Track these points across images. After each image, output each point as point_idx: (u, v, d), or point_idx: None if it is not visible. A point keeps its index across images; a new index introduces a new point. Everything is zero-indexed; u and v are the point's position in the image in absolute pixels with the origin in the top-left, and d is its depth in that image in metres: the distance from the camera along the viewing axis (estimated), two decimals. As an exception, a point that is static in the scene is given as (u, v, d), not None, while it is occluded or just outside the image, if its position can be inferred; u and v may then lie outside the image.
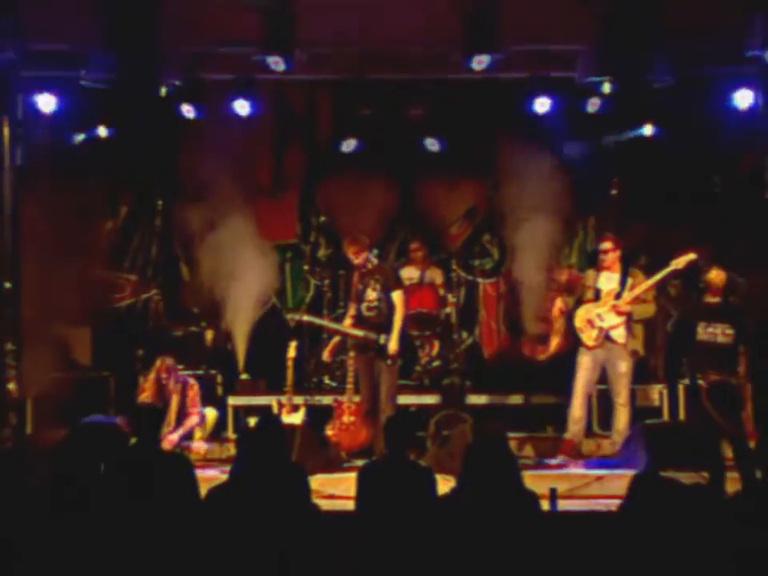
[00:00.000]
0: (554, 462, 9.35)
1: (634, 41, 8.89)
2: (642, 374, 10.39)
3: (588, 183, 11.08)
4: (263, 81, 9.89)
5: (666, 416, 10.27)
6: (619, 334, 9.24)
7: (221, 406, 10.41)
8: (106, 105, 9.73)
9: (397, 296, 9.27)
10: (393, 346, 9.19)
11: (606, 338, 9.24)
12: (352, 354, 9.56)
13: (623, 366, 9.24)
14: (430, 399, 10.30)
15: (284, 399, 9.55)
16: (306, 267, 11.87)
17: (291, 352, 9.63)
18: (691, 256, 9.03)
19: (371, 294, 9.33)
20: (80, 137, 10.31)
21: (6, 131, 9.35)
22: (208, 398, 10.14)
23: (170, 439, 9.42)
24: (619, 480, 7.72)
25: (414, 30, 9.27)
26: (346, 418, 9.51)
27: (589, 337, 9.27)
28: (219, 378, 10.95)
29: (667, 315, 10.53)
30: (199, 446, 9.69)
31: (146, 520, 5.51)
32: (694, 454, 8.28)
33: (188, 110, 10.03)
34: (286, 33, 9.15)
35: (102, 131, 10.21)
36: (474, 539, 5.27)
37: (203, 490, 5.91)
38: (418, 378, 10.85)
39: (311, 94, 11.64)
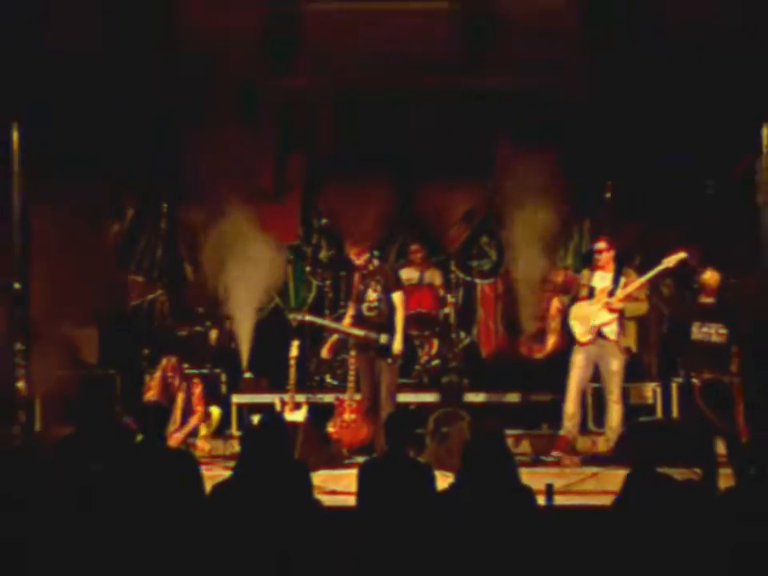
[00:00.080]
0: (549, 458, 9.34)
1: (628, 47, 8.93)
2: (635, 372, 10.38)
3: (582, 187, 11.08)
4: (266, 86, 9.90)
5: (659, 413, 10.27)
6: (611, 331, 9.25)
7: (225, 404, 10.40)
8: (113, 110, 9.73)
9: (397, 297, 9.28)
10: (397, 346, 9.20)
11: (598, 334, 9.26)
12: (353, 353, 9.57)
13: (615, 364, 9.25)
14: (429, 397, 10.30)
15: (287, 397, 9.55)
16: (308, 268, 11.88)
17: (294, 351, 9.63)
18: (681, 255, 9.05)
19: (372, 295, 9.34)
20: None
21: (16, 135, 9.36)
22: (212, 396, 10.14)
23: (177, 437, 9.44)
24: (614, 476, 7.72)
25: (413, 38, 9.28)
26: (347, 416, 9.51)
27: (582, 333, 9.29)
28: (223, 377, 10.94)
29: (660, 314, 10.55)
30: (204, 443, 9.69)
31: (152, 515, 5.52)
32: (686, 450, 8.29)
33: (192, 116, 10.03)
34: (289, 40, 9.17)
35: (112, 134, 10.21)
36: (472, 534, 5.28)
37: (208, 486, 5.91)
38: (418, 377, 10.85)
39: (313, 100, 11.63)
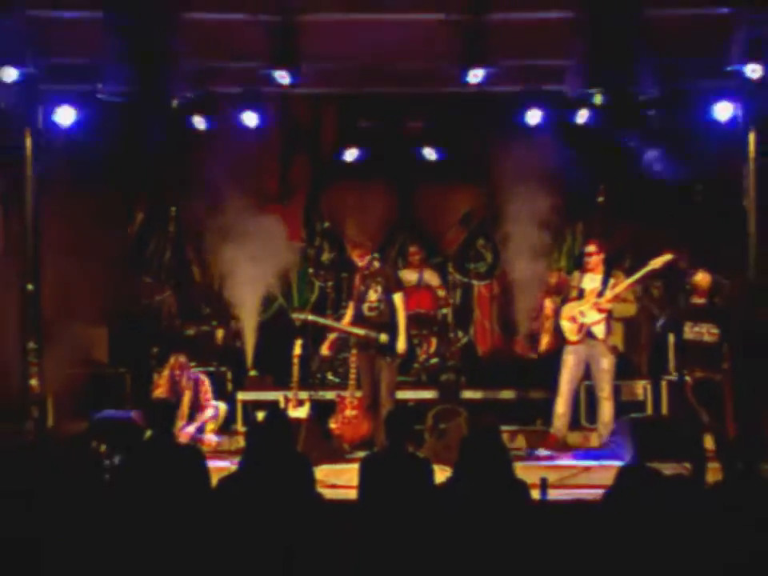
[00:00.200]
0: (544, 453, 9.35)
1: (621, 55, 8.91)
2: (626, 370, 10.41)
3: (576, 191, 11.09)
4: (270, 94, 9.89)
5: (649, 410, 10.28)
6: (600, 330, 9.28)
7: (230, 401, 10.41)
8: (122, 117, 9.72)
9: (398, 298, 9.30)
10: (401, 345, 9.22)
11: (587, 334, 9.28)
12: (354, 351, 9.57)
13: (605, 363, 9.28)
14: (428, 394, 10.30)
15: (290, 394, 9.56)
16: (310, 270, 11.88)
17: (297, 350, 9.64)
18: (668, 257, 9.09)
19: (373, 295, 9.34)
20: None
21: (29, 142, 9.37)
22: (218, 394, 10.15)
23: (186, 432, 9.47)
24: (606, 471, 7.74)
25: (412, 46, 9.28)
26: (348, 412, 9.51)
27: (572, 332, 9.32)
28: (229, 375, 10.94)
29: (650, 315, 10.56)
30: (211, 438, 9.70)
31: (161, 507, 5.52)
32: (676, 446, 8.31)
33: (199, 122, 10.02)
34: (292, 48, 9.16)
35: (124, 140, 10.21)
36: (469, 526, 5.28)
37: (214, 480, 5.92)
38: (417, 375, 10.86)
39: (315, 107, 11.64)
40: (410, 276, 11.12)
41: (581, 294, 9.37)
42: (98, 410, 9.26)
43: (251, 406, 10.48)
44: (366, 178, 11.66)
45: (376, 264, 9.46)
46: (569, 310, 9.35)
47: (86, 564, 5.11)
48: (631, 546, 5.03)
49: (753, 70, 8.64)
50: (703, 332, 8.51)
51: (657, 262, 9.11)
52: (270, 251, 11.12)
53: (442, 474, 6.06)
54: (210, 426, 9.77)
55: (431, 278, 11.41)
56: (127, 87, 8.88)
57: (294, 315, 10.37)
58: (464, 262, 11.93)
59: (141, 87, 8.89)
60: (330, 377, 10.93)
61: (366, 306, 9.37)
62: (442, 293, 11.31)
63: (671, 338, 10.11)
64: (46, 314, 9.54)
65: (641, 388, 10.43)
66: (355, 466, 6.34)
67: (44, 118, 9.42)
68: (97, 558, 5.15)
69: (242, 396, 10.61)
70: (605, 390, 9.29)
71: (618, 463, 7.70)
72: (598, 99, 9.46)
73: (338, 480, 7.98)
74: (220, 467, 7.97)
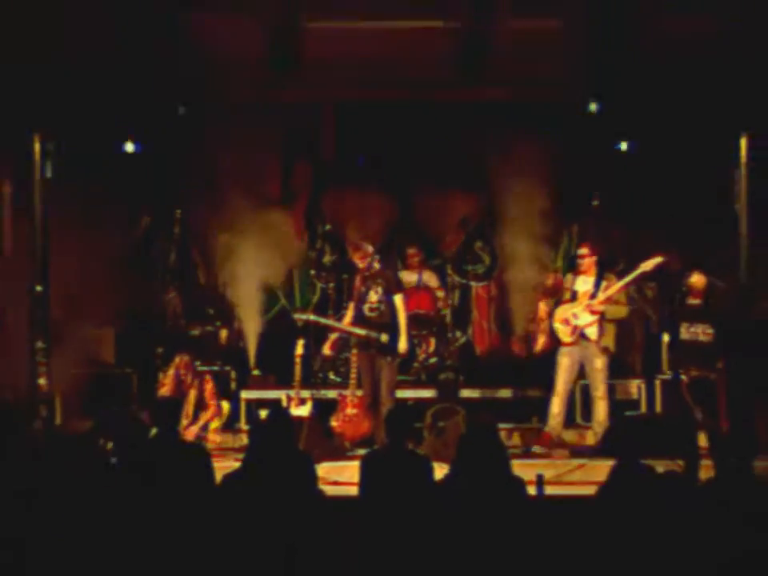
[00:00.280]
0: (539, 450, 9.36)
1: (616, 63, 8.93)
2: (621, 369, 10.41)
3: (572, 195, 11.09)
4: (272, 100, 9.91)
5: (643, 408, 10.28)
6: (592, 332, 9.27)
7: (234, 400, 10.41)
8: (129, 121, 9.73)
9: (399, 299, 9.31)
10: (403, 346, 9.23)
11: (580, 335, 9.28)
12: (355, 351, 9.57)
13: (599, 363, 9.28)
14: (427, 393, 10.29)
15: (292, 393, 9.55)
16: (312, 272, 11.88)
17: (299, 350, 9.63)
18: (658, 259, 9.10)
19: (373, 296, 9.35)
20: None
21: (37, 146, 9.37)
22: (222, 392, 10.15)
23: (192, 430, 9.48)
24: (600, 467, 7.72)
25: (412, 53, 9.29)
26: (349, 411, 9.51)
27: (565, 333, 9.32)
28: (233, 374, 10.95)
29: (644, 316, 10.56)
30: (215, 436, 9.71)
31: (166, 504, 5.53)
32: (670, 443, 8.31)
33: (203, 127, 10.03)
34: (293, 55, 9.18)
35: (129, 146, 10.21)
36: (467, 522, 5.28)
37: (218, 477, 5.92)
38: (416, 374, 10.87)
39: (317, 113, 11.64)
40: (409, 277, 11.12)
41: (573, 296, 9.37)
42: (105, 408, 9.26)
43: (254, 405, 10.48)
44: (366, 182, 11.67)
45: (376, 266, 9.47)
46: (562, 312, 9.36)
47: (92, 560, 5.11)
48: (624, 541, 5.03)
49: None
50: (698, 332, 8.53)
51: (647, 265, 9.12)
52: (273, 253, 11.13)
53: (440, 471, 6.06)
54: (215, 424, 9.78)
55: (430, 279, 11.41)
56: (133, 93, 8.93)
57: (296, 316, 10.37)
58: (462, 264, 11.93)
59: (147, 92, 8.92)
60: (331, 376, 10.94)
61: (366, 307, 9.37)
62: (440, 294, 11.31)
63: (665, 337, 10.15)
64: (55, 314, 9.55)
65: (635, 387, 10.43)
66: (356, 464, 6.35)
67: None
68: (103, 553, 5.15)
69: (245, 395, 10.61)
70: (599, 390, 9.29)
71: (612, 460, 7.70)
72: (592, 107, 9.50)
73: (340, 477, 7.98)
74: (224, 464, 7.97)
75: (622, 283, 9.29)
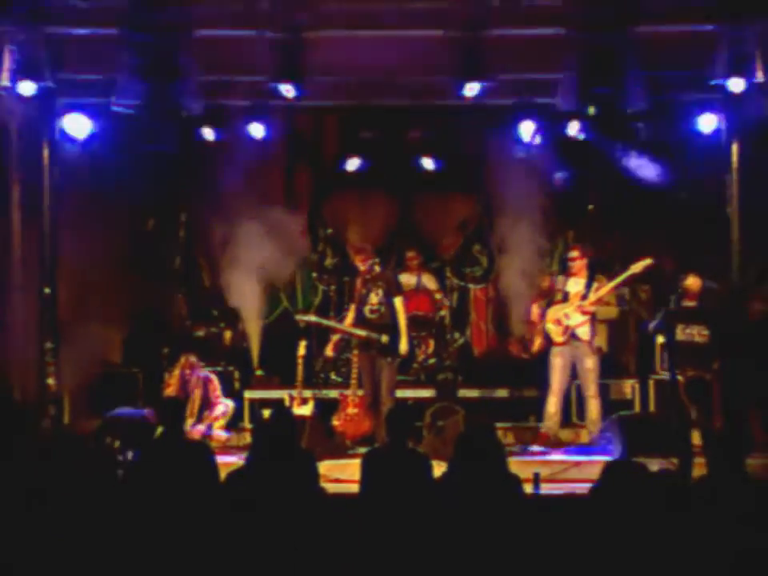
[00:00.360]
0: (536, 449, 9.36)
1: (610, 70, 8.94)
2: (615, 370, 10.43)
3: (568, 199, 11.09)
4: (276, 107, 9.91)
5: (637, 408, 10.28)
6: (584, 332, 9.29)
7: (238, 399, 10.41)
8: (135, 128, 9.73)
9: (399, 302, 9.33)
10: (404, 347, 9.27)
11: (571, 335, 9.29)
12: (356, 352, 9.58)
13: (590, 363, 9.29)
14: (426, 393, 10.30)
15: (295, 393, 9.56)
16: (314, 274, 11.88)
17: (301, 350, 9.64)
18: (647, 261, 9.12)
19: (374, 298, 9.36)
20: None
21: (46, 153, 9.39)
22: (226, 392, 10.15)
23: (198, 429, 9.50)
24: (595, 466, 7.71)
25: (411, 61, 9.29)
26: (350, 410, 9.51)
27: (557, 333, 9.34)
28: (237, 374, 10.95)
29: (638, 317, 10.56)
30: (219, 434, 9.71)
31: (172, 501, 5.53)
32: (663, 442, 8.32)
33: (208, 133, 10.04)
34: (297, 63, 9.18)
35: (135, 152, 10.22)
36: (465, 518, 5.28)
37: (223, 474, 5.92)
38: (416, 374, 10.86)
39: (319, 119, 11.65)
40: (409, 279, 11.12)
41: (565, 298, 9.40)
42: (112, 407, 9.27)
43: (258, 404, 10.48)
44: (367, 186, 11.67)
45: (377, 268, 9.48)
46: (554, 312, 9.38)
47: (98, 557, 5.11)
48: (617, 538, 5.03)
49: (735, 84, 8.67)
50: (694, 333, 8.55)
51: (637, 267, 9.15)
52: (275, 256, 11.13)
53: (439, 469, 6.06)
54: (219, 423, 9.78)
55: (429, 281, 11.42)
56: (140, 100, 8.93)
57: (299, 317, 10.37)
58: (461, 267, 11.94)
59: (152, 100, 8.92)
60: (332, 376, 10.94)
61: (367, 309, 9.38)
62: (439, 296, 11.32)
63: (659, 339, 10.14)
64: (63, 316, 9.55)
65: (629, 387, 10.44)
66: (357, 462, 6.35)
67: (60, 130, 9.44)
68: (110, 550, 5.15)
69: (249, 394, 10.62)
70: (590, 389, 9.30)
71: (606, 459, 7.71)
72: (591, 111, 9.50)
73: (341, 474, 7.97)
74: (228, 462, 7.97)
75: (612, 285, 9.31)
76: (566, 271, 9.59)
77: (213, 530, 5.34)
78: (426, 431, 9.22)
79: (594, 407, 9.29)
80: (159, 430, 6.53)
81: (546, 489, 6.73)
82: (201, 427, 9.59)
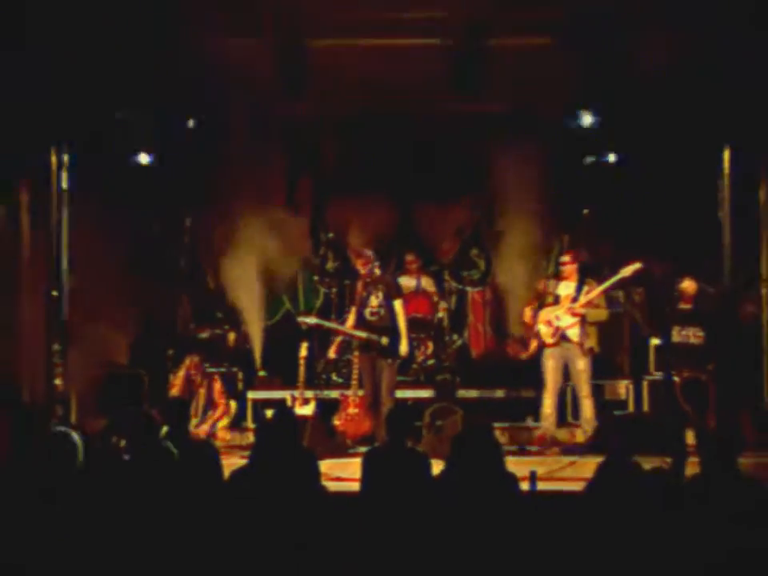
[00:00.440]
0: (533, 448, 9.36)
1: (604, 77, 8.95)
2: (610, 370, 10.43)
3: (563, 204, 11.09)
4: (278, 116, 9.92)
5: (631, 408, 10.27)
6: (574, 333, 9.28)
7: (241, 400, 10.41)
8: (143, 135, 9.74)
9: (399, 304, 9.33)
10: (404, 348, 9.27)
11: (562, 337, 9.28)
12: (356, 353, 9.58)
13: (581, 364, 9.27)
14: (425, 393, 10.29)
15: (297, 393, 9.55)
16: (315, 277, 11.88)
17: (303, 352, 9.64)
18: (637, 265, 9.12)
19: (374, 301, 9.36)
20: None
21: (53, 157, 9.39)
22: (230, 393, 10.15)
23: (203, 428, 9.49)
24: (590, 464, 7.71)
25: (410, 70, 9.30)
26: (351, 410, 9.51)
27: (547, 334, 9.33)
28: (240, 375, 10.94)
29: (632, 319, 10.55)
30: (224, 433, 9.71)
31: (177, 499, 5.51)
32: (656, 441, 8.31)
33: (212, 142, 10.04)
34: (298, 75, 9.19)
35: (143, 158, 10.22)
36: (464, 516, 5.27)
37: (226, 473, 5.91)
38: (415, 375, 10.85)
39: (320, 128, 11.63)
40: (408, 282, 11.12)
41: (556, 300, 9.40)
42: (118, 407, 9.26)
43: (260, 405, 10.48)
44: (367, 192, 11.67)
45: (377, 272, 9.48)
46: (545, 314, 9.38)
47: (104, 555, 5.09)
48: (611, 535, 5.02)
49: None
50: (689, 335, 8.55)
51: (627, 271, 9.16)
52: (278, 260, 11.13)
53: (438, 468, 6.05)
54: (223, 423, 9.77)
55: (428, 284, 11.42)
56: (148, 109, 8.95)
57: (300, 319, 10.37)
58: (459, 270, 11.94)
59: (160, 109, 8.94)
60: (333, 377, 10.92)
61: (367, 311, 9.38)
62: (436, 298, 11.31)
63: (652, 340, 10.15)
64: (71, 318, 9.55)
65: (623, 387, 10.43)
66: (358, 460, 6.34)
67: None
68: (116, 547, 5.14)
69: (252, 395, 10.61)
70: (583, 390, 9.29)
71: (601, 457, 7.69)
72: (586, 120, 9.52)
73: (342, 473, 7.96)
74: (231, 461, 7.96)
75: (601, 288, 9.31)
76: (557, 275, 9.59)
77: (217, 526, 5.33)
78: (425, 431, 9.20)
79: (587, 407, 9.28)
80: (164, 429, 6.51)
81: (542, 487, 6.71)
82: (205, 426, 9.58)
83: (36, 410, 8.99)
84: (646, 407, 10.14)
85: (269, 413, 9.83)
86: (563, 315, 9.28)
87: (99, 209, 10.14)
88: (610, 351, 10.58)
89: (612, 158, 10.39)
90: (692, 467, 7.29)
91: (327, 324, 10.26)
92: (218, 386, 9.85)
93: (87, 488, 5.36)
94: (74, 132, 9.40)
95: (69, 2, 8.22)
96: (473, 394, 10.45)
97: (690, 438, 8.45)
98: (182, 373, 9.80)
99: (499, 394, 10.47)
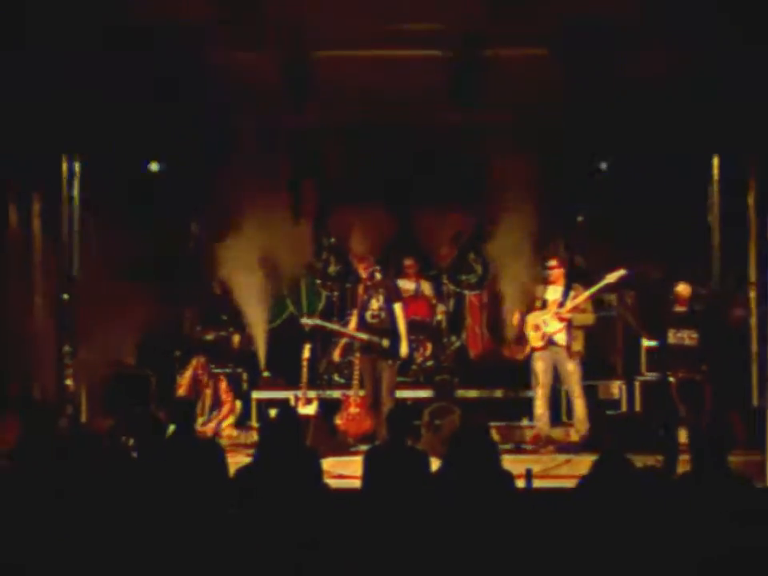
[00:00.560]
0: (528, 447, 9.35)
1: (596, 87, 8.96)
2: (603, 371, 10.42)
3: (558, 210, 11.09)
4: (282, 126, 9.93)
5: (624, 407, 10.26)
6: (561, 337, 9.27)
7: (246, 399, 10.40)
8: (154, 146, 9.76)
9: (398, 307, 9.34)
10: (404, 350, 9.29)
11: (549, 341, 9.27)
12: (357, 354, 9.57)
13: (570, 367, 9.26)
14: (425, 393, 10.27)
15: (300, 393, 9.54)
16: (318, 281, 11.87)
17: (306, 353, 9.63)
18: (621, 272, 9.13)
19: (375, 304, 9.36)
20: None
21: (64, 166, 9.39)
22: (235, 393, 10.13)
23: (209, 427, 9.49)
24: (585, 462, 7.68)
25: (410, 81, 9.30)
26: (352, 410, 9.49)
27: (535, 339, 9.33)
28: (244, 376, 10.93)
29: (625, 322, 10.54)
30: (229, 431, 9.71)
31: (183, 496, 5.51)
32: (649, 440, 8.31)
33: (218, 152, 10.05)
34: (301, 86, 9.19)
35: (153, 167, 10.22)
36: (462, 512, 5.26)
37: (232, 470, 5.90)
38: (414, 376, 10.84)
39: (322, 137, 11.63)
40: (407, 286, 11.13)
41: (544, 305, 9.40)
42: (126, 407, 9.24)
43: (264, 404, 10.46)
44: (367, 199, 11.66)
45: (378, 276, 9.48)
46: (533, 318, 9.38)
47: (111, 552, 5.08)
48: (604, 530, 5.02)
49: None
50: (684, 337, 8.57)
51: (612, 277, 9.17)
52: (282, 264, 11.12)
53: (437, 466, 6.04)
54: (228, 421, 9.77)
55: (426, 288, 11.42)
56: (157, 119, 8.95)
57: (304, 320, 10.35)
58: (457, 274, 11.93)
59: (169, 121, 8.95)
60: (335, 378, 10.91)
61: (368, 314, 9.38)
62: (435, 301, 11.30)
63: (644, 342, 10.14)
64: (80, 320, 9.54)
65: (616, 388, 10.42)
66: (359, 459, 6.33)
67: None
68: (123, 543, 5.12)
69: (256, 395, 10.60)
70: (575, 391, 9.29)
71: (595, 456, 7.67)
72: (582, 128, 9.53)
73: (344, 471, 7.96)
74: (236, 459, 7.95)
75: (588, 293, 9.31)
76: (544, 280, 9.58)
77: (222, 523, 5.32)
78: (425, 430, 9.19)
79: (579, 407, 9.27)
80: (171, 428, 6.50)
81: (537, 484, 6.70)
82: (211, 425, 9.57)
83: (47, 409, 8.99)
84: (638, 407, 10.12)
85: (273, 412, 9.84)
86: (550, 320, 9.28)
87: (108, 215, 10.14)
88: (603, 353, 10.58)
89: (604, 165, 10.39)
90: (683, 465, 7.32)
91: (329, 325, 10.25)
92: (223, 385, 9.85)
93: (96, 486, 5.35)
94: (84, 141, 9.41)
95: (71, 9, 8.19)
96: (471, 393, 10.43)
97: (683, 436, 8.45)
98: (188, 373, 9.79)
99: (496, 393, 10.45)
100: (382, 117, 10.14)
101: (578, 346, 9.28)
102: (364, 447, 8.52)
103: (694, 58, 8.67)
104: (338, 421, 9.51)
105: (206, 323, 11.40)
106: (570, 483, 6.99)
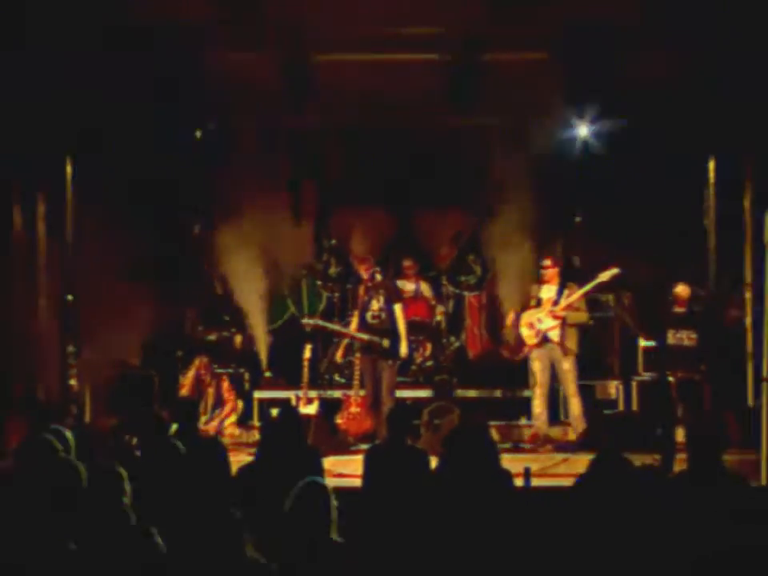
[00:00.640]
0: (527, 446, 9.36)
1: (595, 91, 8.97)
2: (600, 371, 10.42)
3: (557, 210, 11.09)
4: (283, 128, 9.93)
5: (621, 407, 10.27)
6: (555, 335, 9.29)
7: (248, 399, 10.41)
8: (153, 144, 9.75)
9: (398, 308, 9.37)
10: (404, 350, 9.33)
11: (544, 338, 9.29)
12: (358, 355, 9.58)
13: (566, 365, 9.29)
14: (424, 393, 10.27)
15: (301, 393, 9.55)
16: (319, 282, 11.87)
17: (307, 353, 9.64)
18: (614, 271, 9.15)
19: (375, 305, 9.38)
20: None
21: (69, 168, 9.39)
22: (237, 392, 10.14)
23: (213, 426, 9.50)
24: (582, 461, 7.70)
25: (409, 83, 9.31)
26: (353, 409, 9.50)
27: (530, 336, 9.35)
28: (246, 376, 10.93)
29: (622, 321, 10.55)
30: (232, 429, 9.72)
31: (186, 494, 5.52)
32: (646, 439, 8.32)
33: (219, 152, 10.05)
34: (301, 88, 9.20)
35: (155, 168, 10.22)
36: (461, 510, 5.27)
37: (234, 469, 5.91)
38: (414, 376, 10.85)
39: (322, 139, 11.64)
40: (407, 287, 11.13)
41: (538, 303, 9.42)
42: (130, 407, 9.25)
43: (266, 404, 10.47)
44: (368, 201, 11.67)
45: (378, 277, 9.49)
46: (528, 317, 9.40)
47: (111, 549, 5.08)
48: (601, 528, 5.02)
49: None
50: (683, 337, 8.57)
51: (605, 275, 9.19)
52: (283, 265, 11.13)
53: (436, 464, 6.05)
54: (231, 420, 9.78)
55: (426, 289, 11.43)
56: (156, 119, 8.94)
57: (305, 321, 10.36)
58: (456, 275, 11.92)
59: (169, 120, 8.94)
60: (336, 378, 10.92)
61: (369, 315, 9.39)
62: (434, 302, 11.30)
63: (641, 342, 10.14)
64: (85, 322, 9.55)
65: (613, 387, 10.42)
66: (359, 457, 6.35)
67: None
68: (123, 543, 5.13)
69: (258, 394, 10.61)
70: (570, 389, 9.30)
71: (592, 455, 7.68)
72: (582, 132, 9.54)
73: (345, 469, 7.97)
74: (238, 458, 7.95)
75: (581, 291, 9.34)
76: (539, 279, 9.60)
77: (224, 521, 5.33)
78: (424, 429, 9.20)
79: (575, 405, 9.29)
80: (174, 427, 6.51)
81: (536, 483, 6.71)
82: (214, 424, 9.58)
83: (51, 408, 9.00)
84: (635, 407, 10.13)
85: (274, 412, 9.84)
86: (545, 318, 9.31)
87: (111, 217, 10.13)
88: (600, 353, 10.59)
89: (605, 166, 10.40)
90: (680, 464, 7.33)
91: (330, 326, 10.26)
92: (225, 384, 9.87)
93: (101, 485, 5.35)
94: (84, 141, 9.41)
95: (71, 9, 8.19)
96: (470, 393, 10.44)
97: (680, 435, 8.46)
98: (191, 373, 9.80)
99: (495, 393, 10.46)
100: (381, 119, 10.15)
101: (572, 344, 9.30)
102: (364, 446, 8.50)
103: (691, 60, 8.68)
104: (339, 420, 9.52)
105: (208, 323, 11.40)
106: (568, 482, 7.01)
